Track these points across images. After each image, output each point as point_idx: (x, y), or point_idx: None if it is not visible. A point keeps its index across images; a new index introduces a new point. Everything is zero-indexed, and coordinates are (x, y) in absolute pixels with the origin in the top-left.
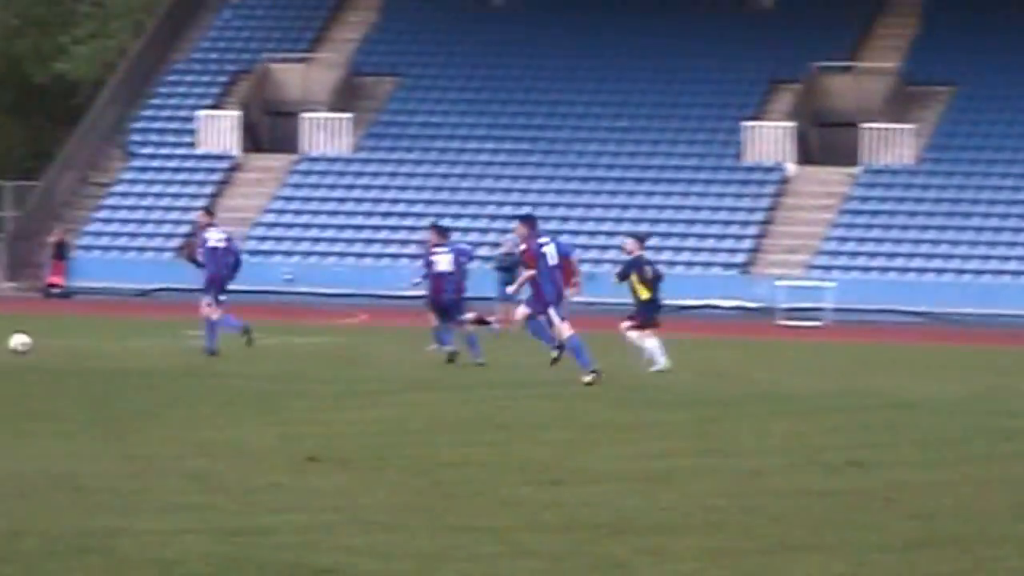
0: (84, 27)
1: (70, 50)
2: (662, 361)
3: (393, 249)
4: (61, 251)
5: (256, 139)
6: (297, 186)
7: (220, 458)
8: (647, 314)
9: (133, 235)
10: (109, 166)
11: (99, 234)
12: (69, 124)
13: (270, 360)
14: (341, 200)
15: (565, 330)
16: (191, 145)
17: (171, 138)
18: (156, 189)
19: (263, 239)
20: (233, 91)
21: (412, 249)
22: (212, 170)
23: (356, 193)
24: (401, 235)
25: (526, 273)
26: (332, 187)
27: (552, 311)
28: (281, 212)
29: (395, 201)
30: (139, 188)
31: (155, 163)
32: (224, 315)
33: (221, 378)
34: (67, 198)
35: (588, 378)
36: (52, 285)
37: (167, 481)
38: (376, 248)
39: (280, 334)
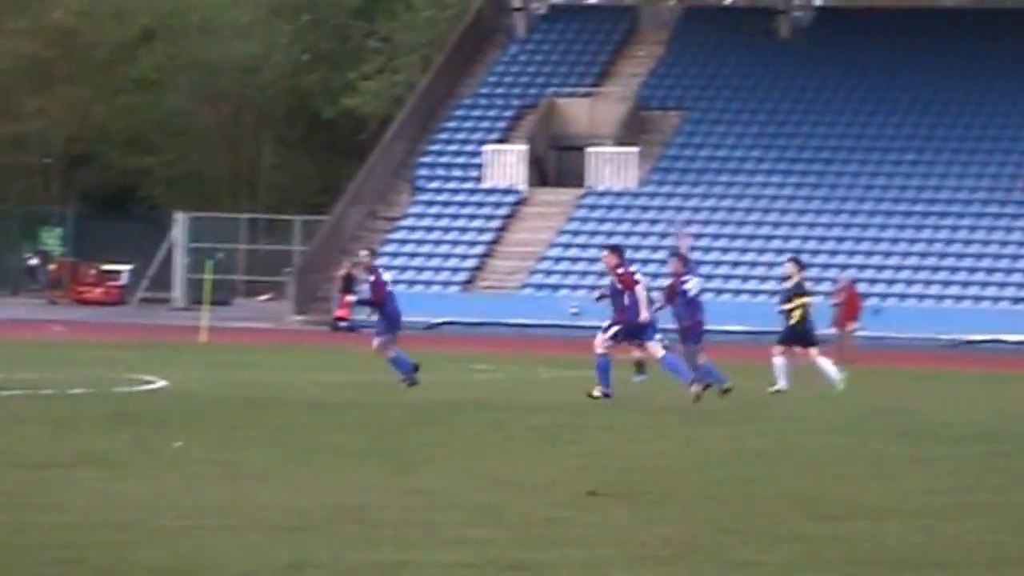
0: (372, 63)
1: (358, 85)
2: (783, 383)
3: None
4: (349, 285)
5: (542, 173)
6: (583, 220)
7: (502, 492)
8: (792, 336)
9: (420, 269)
10: (396, 200)
11: (386, 268)
12: (357, 159)
13: (554, 394)
14: (627, 234)
15: (599, 346)
16: (478, 180)
17: (458, 172)
18: (443, 223)
19: (549, 273)
20: (519, 126)
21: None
22: (498, 204)
23: (642, 227)
24: None
25: (641, 292)
26: (618, 221)
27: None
28: (567, 246)
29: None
30: (426, 222)
31: (442, 197)
32: (399, 353)
33: (505, 412)
34: (355, 232)
35: (596, 393)
36: (339, 319)
37: (450, 515)
38: (661, 282)
39: (565, 368)
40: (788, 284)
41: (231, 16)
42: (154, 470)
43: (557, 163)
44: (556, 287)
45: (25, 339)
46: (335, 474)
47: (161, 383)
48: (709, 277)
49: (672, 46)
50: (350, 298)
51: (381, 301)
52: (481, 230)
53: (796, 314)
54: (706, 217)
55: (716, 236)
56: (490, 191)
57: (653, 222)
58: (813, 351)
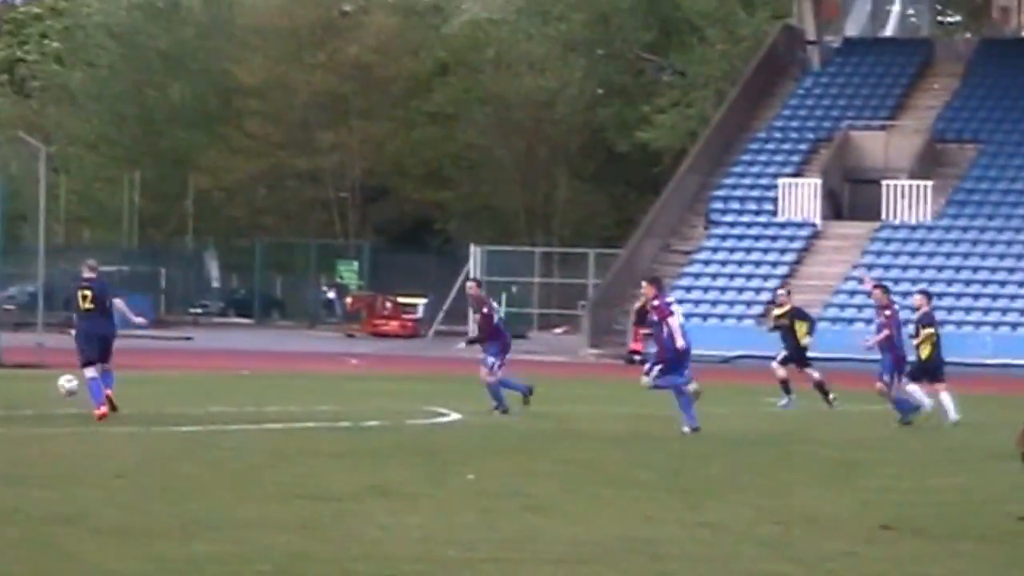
0: (666, 96)
1: (652, 119)
2: (953, 416)
3: (975, 317)
4: (643, 318)
5: (837, 207)
6: (878, 253)
7: (794, 525)
8: (922, 371)
9: (714, 302)
10: (691, 234)
11: (681, 301)
12: (651, 192)
13: (847, 428)
14: (922, 268)
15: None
16: (772, 213)
17: (752, 206)
18: (737, 257)
19: (843, 307)
20: (814, 159)
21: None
22: (793, 238)
23: (937, 260)
24: (983, 303)
25: (674, 322)
26: (913, 254)
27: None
28: (862, 280)
29: (976, 269)
30: (720, 256)
31: (736, 231)
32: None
33: (798, 445)
34: (649, 265)
35: (685, 429)
36: (634, 352)
37: (741, 548)
38: (957, 316)
39: (857, 402)
40: (916, 316)
41: (525, 51)
42: (446, 502)
43: (852, 196)
44: (850, 320)
45: (322, 372)
46: (626, 507)
47: (455, 416)
48: (1004, 311)
49: (967, 78)
50: (463, 345)
51: (492, 335)
52: (775, 263)
53: (925, 348)
54: (1002, 251)
55: (1012, 270)
56: (784, 224)
57: (948, 255)
58: (940, 386)
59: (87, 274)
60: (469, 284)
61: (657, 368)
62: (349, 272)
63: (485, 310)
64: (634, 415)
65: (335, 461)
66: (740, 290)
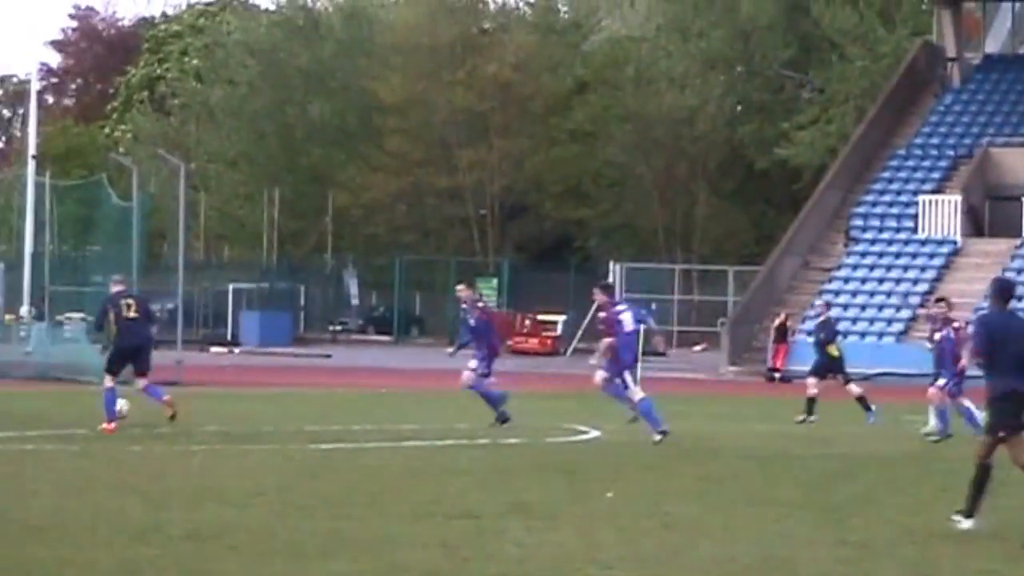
0: (806, 113)
1: (792, 136)
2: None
3: None
4: (783, 335)
5: (977, 223)
6: (1019, 270)
7: (935, 544)
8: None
9: (855, 320)
10: (831, 251)
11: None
12: (791, 209)
13: None
14: None
15: (637, 393)
16: (912, 230)
17: (892, 223)
18: (877, 274)
19: None
20: (954, 176)
21: None
22: (933, 255)
23: None
24: None
25: (606, 340)
26: None
27: (627, 374)
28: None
29: None
30: (860, 273)
31: (876, 248)
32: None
33: (938, 462)
34: (789, 283)
35: (657, 438)
36: (773, 369)
37: (881, 567)
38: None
39: None
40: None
41: (665, 68)
42: (585, 520)
43: (992, 213)
44: None
45: (460, 389)
46: (765, 525)
47: (594, 433)
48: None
49: None
50: (451, 349)
51: (483, 338)
52: (915, 280)
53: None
54: None
55: None
56: (924, 241)
57: None
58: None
59: (119, 287)
60: (460, 287)
61: (628, 377)
62: (488, 289)
63: (481, 305)
64: (773, 432)
65: (474, 479)
66: (880, 307)
